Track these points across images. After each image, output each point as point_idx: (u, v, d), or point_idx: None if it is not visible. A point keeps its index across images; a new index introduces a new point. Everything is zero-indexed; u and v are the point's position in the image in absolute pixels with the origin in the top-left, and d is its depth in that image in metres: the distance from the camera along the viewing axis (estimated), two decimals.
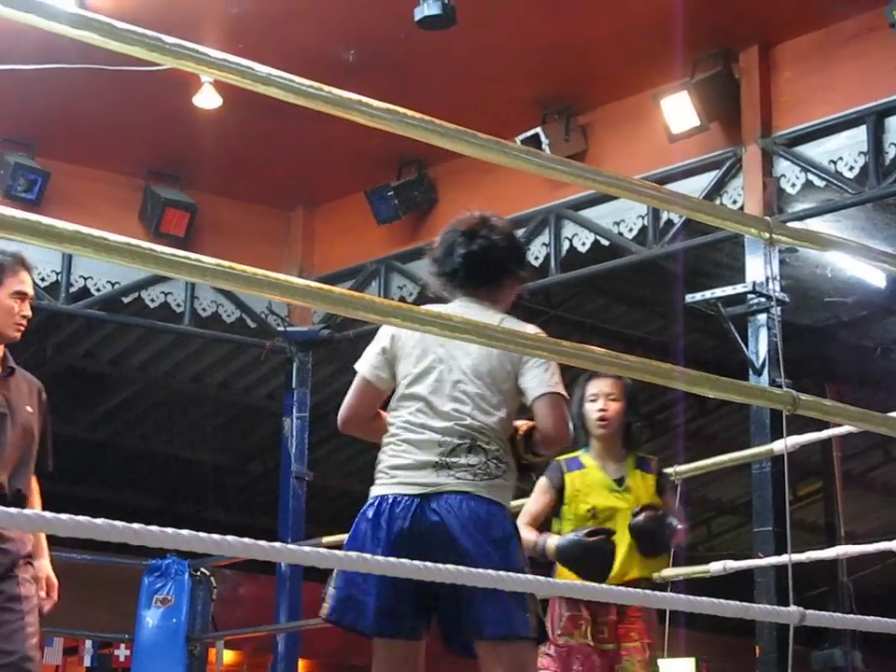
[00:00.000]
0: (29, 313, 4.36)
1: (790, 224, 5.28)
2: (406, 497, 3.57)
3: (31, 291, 4.39)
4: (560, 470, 4.74)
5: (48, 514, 2.16)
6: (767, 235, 3.11)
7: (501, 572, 2.63)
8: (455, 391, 3.61)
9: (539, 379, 3.64)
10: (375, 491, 3.69)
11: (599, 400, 4.78)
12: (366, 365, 3.78)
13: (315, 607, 10.04)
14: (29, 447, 4.44)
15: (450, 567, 2.53)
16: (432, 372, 3.66)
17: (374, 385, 3.76)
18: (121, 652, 9.60)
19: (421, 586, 3.30)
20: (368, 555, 2.62)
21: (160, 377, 11.51)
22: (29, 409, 4.49)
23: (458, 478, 3.54)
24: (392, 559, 2.74)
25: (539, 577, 2.91)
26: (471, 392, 3.60)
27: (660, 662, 4.83)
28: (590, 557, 4.43)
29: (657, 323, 11.19)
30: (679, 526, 4.70)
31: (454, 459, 3.55)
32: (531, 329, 3.57)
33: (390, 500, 3.59)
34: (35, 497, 4.61)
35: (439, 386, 3.63)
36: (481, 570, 2.62)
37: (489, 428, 3.58)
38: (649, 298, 10.65)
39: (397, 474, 3.63)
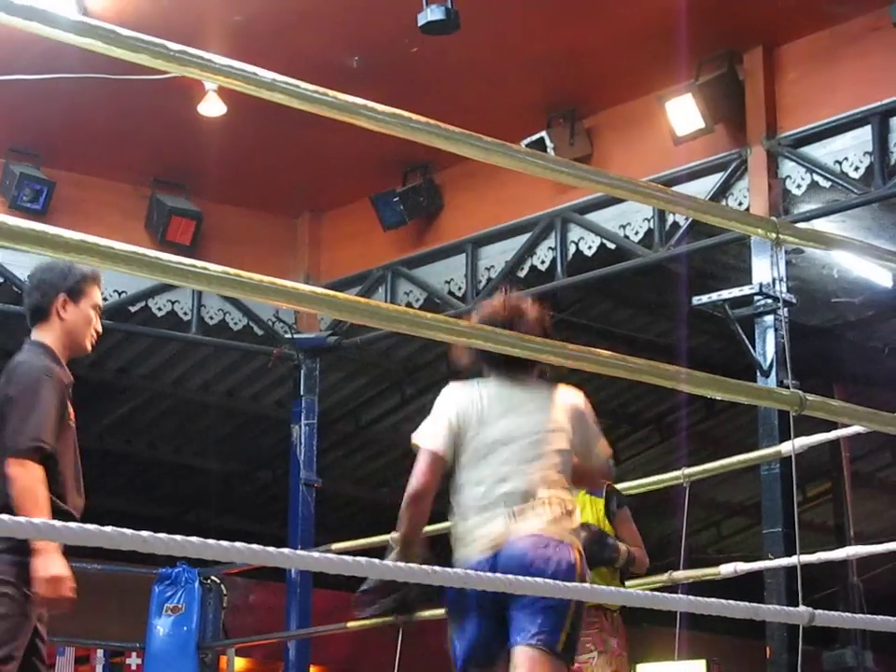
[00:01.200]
0: (100, 329, 4.47)
1: (795, 225, 5.26)
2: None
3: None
4: None
5: (57, 523, 2.16)
6: (774, 236, 3.11)
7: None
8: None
9: (594, 444, 4.18)
10: None
11: None
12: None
13: (324, 613, 10.07)
14: None
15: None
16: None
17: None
18: (133, 661, 9.62)
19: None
20: (378, 561, 2.61)
21: (167, 386, 11.50)
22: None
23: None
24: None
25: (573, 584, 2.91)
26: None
27: (672, 664, 4.94)
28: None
29: (664, 326, 11.17)
30: (623, 548, 4.93)
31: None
32: (570, 392, 4.16)
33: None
34: None
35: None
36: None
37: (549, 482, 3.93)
38: (655, 301, 10.63)
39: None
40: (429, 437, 3.99)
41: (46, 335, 4.38)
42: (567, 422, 4.02)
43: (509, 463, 3.90)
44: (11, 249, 8.60)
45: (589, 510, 4.96)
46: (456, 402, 4.01)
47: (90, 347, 4.45)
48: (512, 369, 4.03)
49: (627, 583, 5.31)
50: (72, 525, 2.17)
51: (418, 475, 3.98)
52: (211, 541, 2.31)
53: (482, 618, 3.86)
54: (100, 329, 4.45)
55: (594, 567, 4.67)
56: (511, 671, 3.78)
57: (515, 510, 3.84)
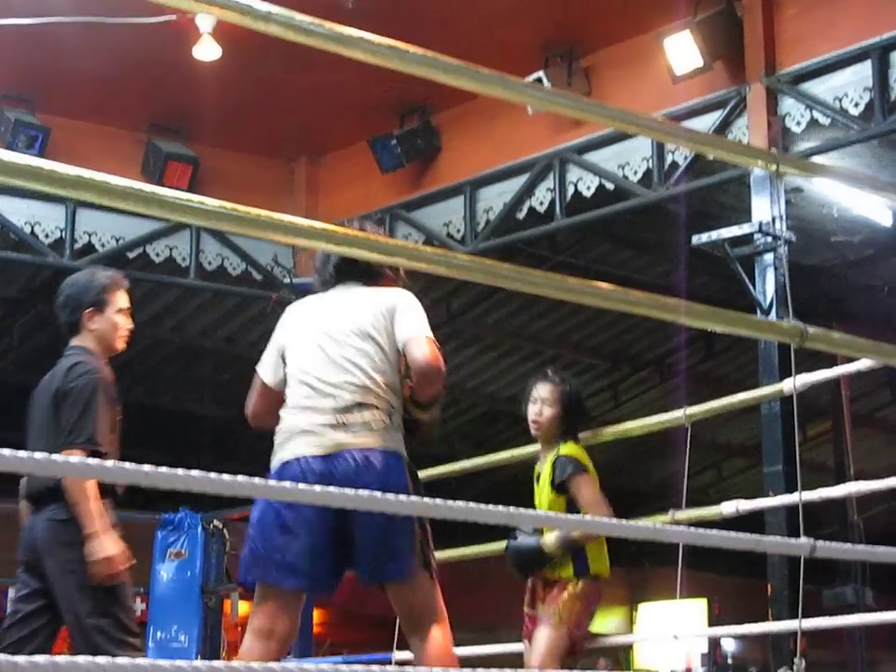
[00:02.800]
0: (132, 326, 4.79)
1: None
2: (310, 458, 3.84)
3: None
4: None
5: (58, 458, 2.15)
6: (774, 167, 3.09)
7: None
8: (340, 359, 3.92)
9: (407, 325, 3.96)
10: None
11: (536, 403, 5.05)
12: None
13: None
14: None
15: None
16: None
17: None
18: (137, 606, 9.63)
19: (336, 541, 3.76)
20: (380, 495, 2.61)
21: (166, 332, 11.51)
22: None
23: (355, 433, 3.82)
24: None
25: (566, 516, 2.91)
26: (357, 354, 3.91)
27: (673, 602, 4.96)
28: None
29: (663, 267, 11.17)
30: (551, 539, 4.85)
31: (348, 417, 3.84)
32: (394, 292, 4.05)
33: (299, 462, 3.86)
34: None
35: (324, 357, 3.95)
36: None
37: (378, 385, 3.88)
38: (655, 242, 10.62)
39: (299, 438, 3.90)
40: (261, 365, 4.10)
41: (83, 342, 4.72)
42: (385, 314, 3.94)
43: (329, 366, 3.88)
44: (8, 195, 8.57)
45: (547, 477, 5.01)
46: (283, 324, 4.09)
47: (122, 347, 4.81)
48: (346, 280, 4.06)
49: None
50: (73, 459, 2.16)
51: (248, 402, 4.16)
52: (213, 475, 2.30)
53: (316, 534, 3.77)
54: (131, 327, 4.75)
55: (530, 571, 4.96)
56: (395, 605, 3.87)
57: (341, 413, 3.83)
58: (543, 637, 4.92)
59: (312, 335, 3.97)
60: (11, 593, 9.92)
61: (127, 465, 2.19)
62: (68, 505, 4.34)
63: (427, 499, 2.56)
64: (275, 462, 3.94)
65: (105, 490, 4.35)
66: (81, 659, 2.04)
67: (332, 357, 3.91)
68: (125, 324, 4.75)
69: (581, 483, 4.92)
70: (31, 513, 4.51)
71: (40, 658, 2.02)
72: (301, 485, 2.30)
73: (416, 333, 3.95)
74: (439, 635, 3.85)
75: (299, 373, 3.97)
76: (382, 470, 3.76)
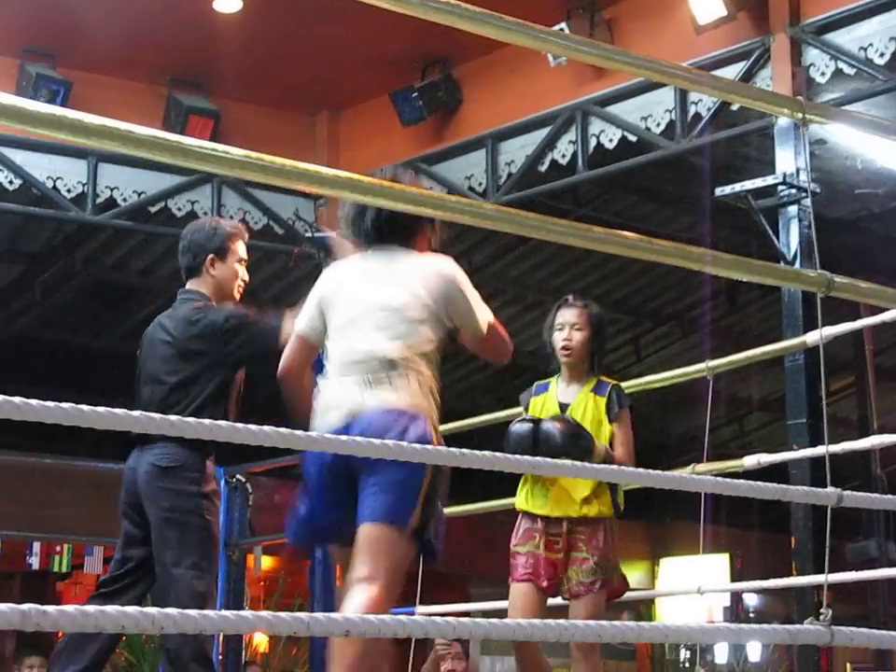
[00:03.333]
0: (248, 277, 4.96)
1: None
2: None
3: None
4: (529, 393, 4.98)
5: (86, 408, 2.15)
6: (800, 116, 3.06)
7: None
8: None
9: (467, 314, 3.96)
10: None
11: (564, 330, 4.89)
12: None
13: None
14: None
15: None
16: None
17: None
18: None
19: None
20: (394, 442, 2.61)
21: (163, 283, 11.50)
22: None
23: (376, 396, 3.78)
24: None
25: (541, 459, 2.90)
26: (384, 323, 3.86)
27: (695, 557, 4.93)
28: (515, 441, 4.68)
29: (687, 220, 11.11)
30: (601, 446, 4.68)
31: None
32: (439, 261, 3.97)
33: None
34: None
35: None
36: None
37: (409, 360, 3.83)
38: (678, 195, 10.57)
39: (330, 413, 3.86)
40: (297, 320, 4.05)
41: (200, 287, 4.83)
42: (429, 292, 3.87)
43: (365, 332, 3.83)
44: (30, 150, 8.54)
45: (590, 407, 4.80)
46: (322, 282, 4.03)
47: (238, 297, 4.92)
48: (384, 242, 3.97)
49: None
50: (101, 409, 2.16)
51: (283, 357, 4.05)
52: (240, 425, 2.31)
53: (330, 491, 3.78)
54: (247, 279, 4.94)
55: (577, 447, 4.62)
56: (355, 549, 3.70)
57: (370, 377, 3.78)
58: (592, 603, 4.62)
59: (350, 304, 3.91)
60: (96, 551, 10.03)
61: (154, 416, 2.20)
62: (173, 450, 4.45)
63: (454, 449, 2.56)
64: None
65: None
66: (154, 611, 2.05)
67: (364, 329, 3.85)
68: (243, 274, 4.91)
69: (628, 420, 4.83)
70: (136, 452, 4.56)
71: (129, 609, 2.03)
72: (328, 435, 2.30)
73: (480, 324, 3.98)
74: (375, 595, 3.63)
75: (334, 342, 3.92)
76: (402, 426, 3.70)
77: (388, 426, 3.67)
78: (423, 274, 3.90)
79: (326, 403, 3.85)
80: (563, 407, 4.82)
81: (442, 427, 4.28)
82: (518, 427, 4.72)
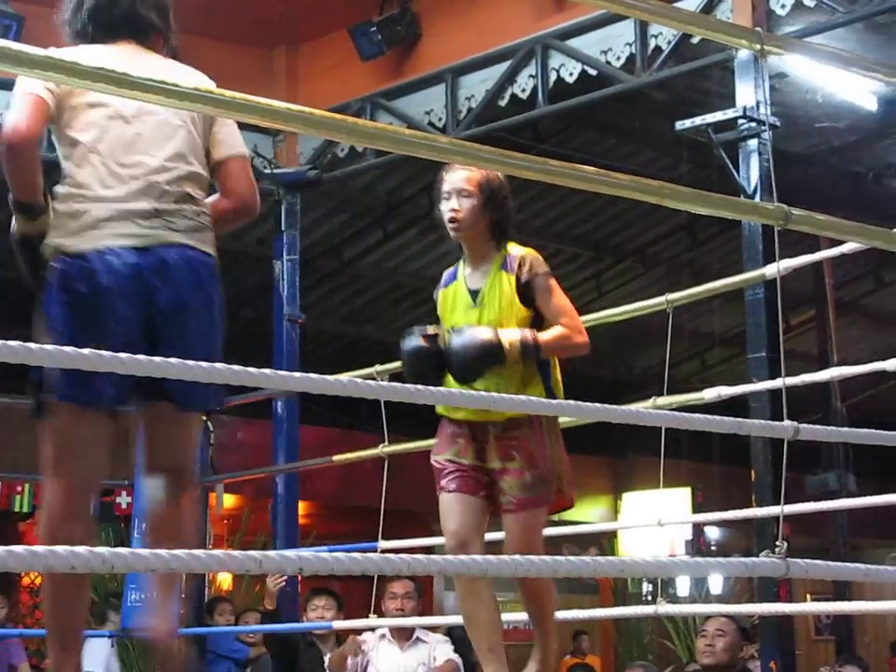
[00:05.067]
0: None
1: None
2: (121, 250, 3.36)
3: None
4: (438, 286, 4.39)
5: (49, 348, 2.12)
6: (759, 47, 3.03)
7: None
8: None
9: (235, 136, 3.57)
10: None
11: (452, 198, 4.22)
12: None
13: (312, 449, 10.12)
14: None
15: None
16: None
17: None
18: (122, 500, 9.69)
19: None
20: (360, 381, 2.58)
21: None
22: None
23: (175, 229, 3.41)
24: None
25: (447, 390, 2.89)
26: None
27: (656, 491, 4.81)
28: (411, 361, 4.17)
29: (647, 155, 11.10)
30: (514, 336, 4.04)
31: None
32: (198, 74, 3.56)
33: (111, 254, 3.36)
34: None
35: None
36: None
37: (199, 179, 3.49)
38: (638, 129, 10.55)
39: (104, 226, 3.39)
40: (29, 83, 3.44)
41: None
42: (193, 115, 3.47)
43: (142, 145, 3.40)
44: None
45: (503, 288, 4.15)
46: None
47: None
48: (105, 32, 3.58)
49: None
50: (67, 349, 2.13)
51: (19, 118, 3.37)
52: (192, 363, 2.29)
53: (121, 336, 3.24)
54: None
55: (478, 375, 4.04)
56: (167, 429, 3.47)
57: (159, 207, 3.36)
58: (526, 520, 4.09)
59: (103, 105, 3.43)
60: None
61: (104, 353, 2.17)
62: None
63: (399, 384, 2.54)
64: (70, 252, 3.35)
65: None
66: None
67: (134, 138, 3.41)
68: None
69: (550, 284, 4.16)
70: None
71: (79, 549, 2.01)
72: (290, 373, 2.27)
73: (242, 152, 3.58)
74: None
75: (89, 149, 3.42)
76: (206, 278, 3.44)
77: (188, 265, 3.42)
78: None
79: (89, 221, 3.36)
80: (474, 294, 4.22)
81: (400, 364, 4.24)
82: (410, 347, 4.15)
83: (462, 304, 4.24)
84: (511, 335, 4.05)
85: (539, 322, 4.15)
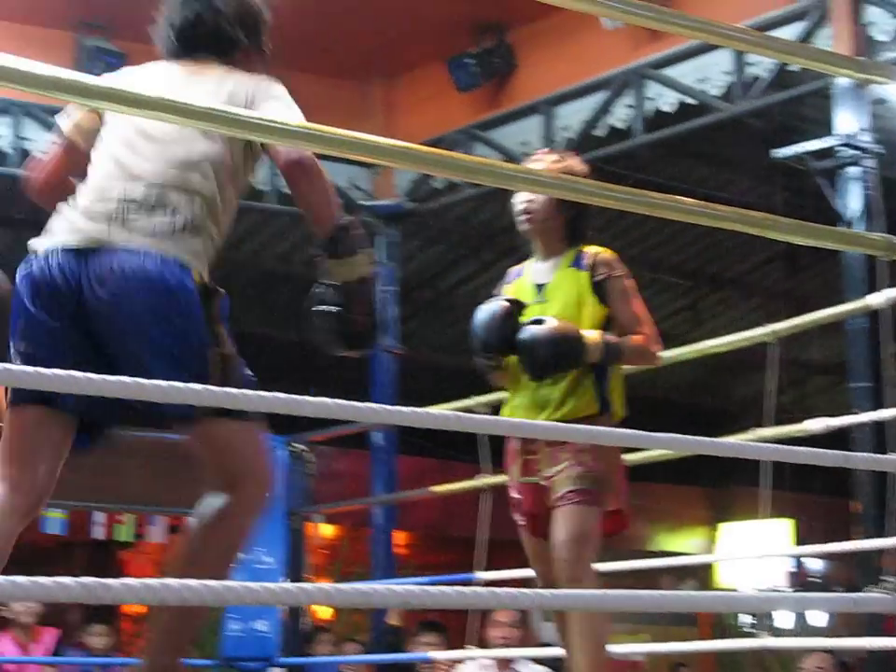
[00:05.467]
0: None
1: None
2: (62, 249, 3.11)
3: None
4: (500, 283, 4.26)
5: (146, 382, 2.16)
6: (861, 76, 3.02)
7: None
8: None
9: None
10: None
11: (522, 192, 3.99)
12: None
13: (409, 479, 10.16)
14: None
15: None
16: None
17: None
18: None
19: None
20: (463, 415, 2.60)
21: (247, 257, 11.55)
22: None
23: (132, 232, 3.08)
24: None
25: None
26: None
27: (758, 523, 4.70)
28: (488, 322, 3.97)
29: (745, 183, 11.03)
30: (594, 336, 3.83)
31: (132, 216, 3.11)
32: (255, 79, 3.38)
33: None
34: None
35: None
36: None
37: (184, 190, 3.17)
38: (735, 158, 10.49)
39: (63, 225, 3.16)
40: (64, 118, 3.31)
41: None
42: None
43: (140, 156, 3.16)
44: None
45: (570, 285, 3.94)
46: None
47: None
48: (188, 50, 3.40)
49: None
50: (162, 383, 2.16)
51: (32, 168, 3.29)
52: (300, 398, 2.31)
53: (58, 343, 3.01)
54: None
55: (555, 372, 3.83)
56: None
57: (127, 206, 3.08)
58: (572, 516, 3.78)
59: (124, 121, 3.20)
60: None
61: (215, 389, 2.20)
62: None
63: (499, 418, 2.55)
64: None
65: None
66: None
67: (136, 145, 3.19)
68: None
69: (627, 287, 3.91)
70: None
71: (192, 582, 2.04)
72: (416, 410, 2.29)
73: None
74: (251, 492, 3.11)
75: (104, 152, 3.23)
76: (155, 275, 3.03)
77: (133, 267, 3.04)
78: (234, 92, 3.32)
79: (63, 222, 3.15)
80: (538, 288, 4.02)
81: (500, 395, 4.24)
82: (491, 307, 3.97)
83: (528, 296, 4.03)
84: (593, 335, 3.82)
85: (606, 326, 3.93)
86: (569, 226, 4.01)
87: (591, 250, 3.99)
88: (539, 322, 3.86)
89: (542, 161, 4.07)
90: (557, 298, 3.95)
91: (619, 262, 3.96)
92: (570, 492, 3.81)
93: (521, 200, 4.00)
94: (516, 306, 3.96)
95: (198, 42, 3.43)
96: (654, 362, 3.99)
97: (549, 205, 3.96)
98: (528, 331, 3.84)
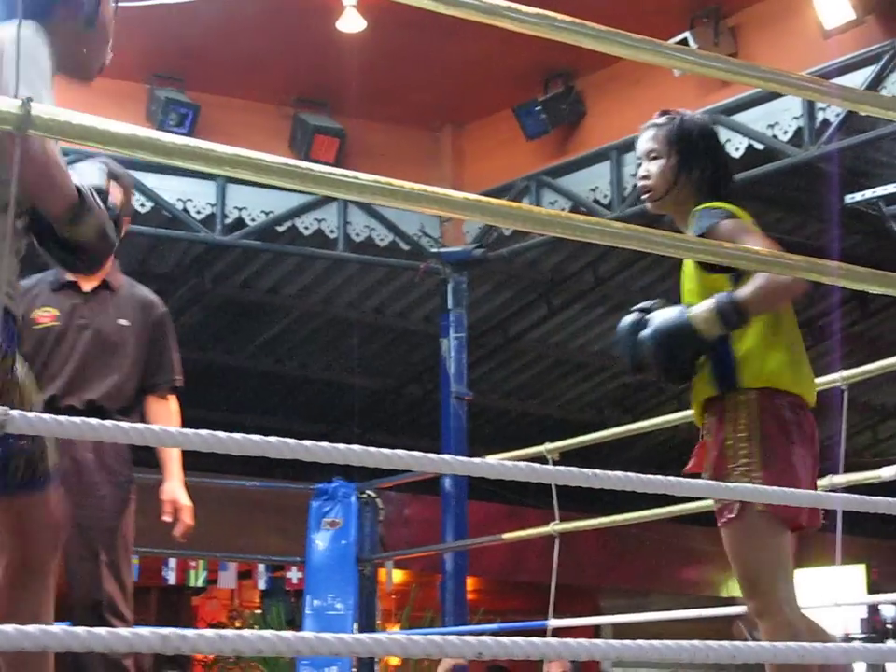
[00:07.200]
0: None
1: None
2: None
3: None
4: None
5: (223, 435, 2.18)
6: None
7: None
8: None
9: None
10: None
11: (641, 164, 3.62)
12: None
13: (479, 525, 10.18)
14: (107, 360, 4.65)
15: None
16: None
17: None
18: (294, 575, 9.83)
19: None
20: (535, 465, 2.61)
21: (316, 304, 11.63)
22: (123, 322, 4.71)
23: None
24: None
25: None
26: None
27: (831, 568, 4.54)
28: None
29: (815, 227, 10.96)
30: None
31: None
32: None
33: None
34: (162, 416, 4.76)
35: None
36: None
37: None
38: (806, 202, 10.43)
39: None
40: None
41: None
42: None
43: None
44: (161, 174, 8.64)
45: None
46: None
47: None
48: None
49: None
50: (237, 436, 2.19)
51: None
52: (373, 449, 2.33)
53: None
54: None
55: (678, 368, 3.42)
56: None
57: None
58: (731, 537, 3.33)
59: None
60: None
61: (289, 441, 2.22)
62: None
63: (575, 469, 2.55)
64: None
65: None
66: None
67: None
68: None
69: (737, 229, 3.35)
70: None
71: (266, 633, 2.06)
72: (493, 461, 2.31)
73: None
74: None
75: None
76: None
77: None
78: None
79: None
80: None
81: (572, 441, 4.26)
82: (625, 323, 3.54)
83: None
84: (701, 309, 3.35)
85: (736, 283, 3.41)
86: (698, 189, 3.55)
87: (696, 210, 3.49)
88: (638, 326, 3.48)
89: (653, 125, 3.68)
90: (686, 273, 3.55)
91: (718, 208, 3.47)
92: (717, 509, 3.40)
93: (638, 177, 3.63)
94: (642, 313, 3.52)
95: None
96: (800, 288, 3.44)
97: (666, 174, 3.55)
98: (630, 341, 3.48)
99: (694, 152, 3.56)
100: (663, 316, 3.41)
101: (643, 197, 3.61)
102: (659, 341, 3.37)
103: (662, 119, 3.64)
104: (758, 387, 3.37)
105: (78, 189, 2.84)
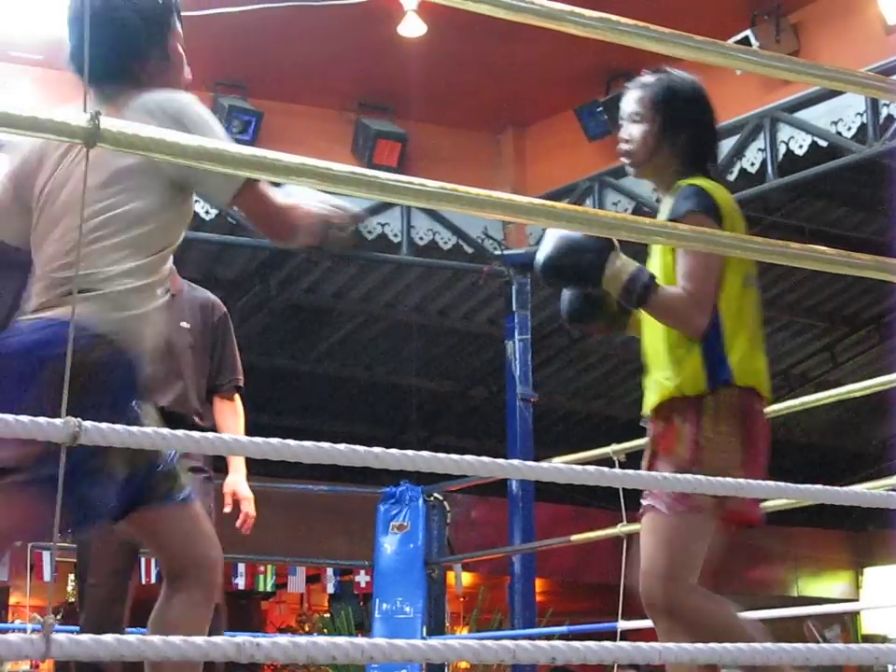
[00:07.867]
0: None
1: None
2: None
3: None
4: None
5: (292, 443, 2.20)
6: None
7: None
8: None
9: (216, 177, 2.91)
10: None
11: (623, 125, 3.44)
12: None
13: (547, 526, 10.17)
14: (172, 365, 4.63)
15: None
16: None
17: None
18: (362, 578, 9.85)
19: None
20: (606, 469, 2.61)
21: (381, 308, 11.66)
22: (184, 325, 4.75)
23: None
24: None
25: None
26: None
27: (871, 569, 4.45)
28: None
29: (880, 223, 10.88)
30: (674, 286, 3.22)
31: None
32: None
33: None
34: (228, 416, 4.79)
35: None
36: None
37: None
38: (870, 198, 10.35)
39: None
40: None
41: None
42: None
43: (47, 226, 2.99)
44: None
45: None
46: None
47: None
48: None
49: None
50: (307, 443, 2.21)
51: None
52: (442, 455, 2.34)
53: None
54: None
55: (558, 278, 3.31)
56: None
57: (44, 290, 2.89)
58: (653, 526, 3.25)
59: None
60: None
61: (358, 448, 2.24)
62: None
63: (643, 472, 2.56)
64: None
65: None
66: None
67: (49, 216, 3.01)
68: None
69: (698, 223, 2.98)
70: None
71: (339, 640, 2.08)
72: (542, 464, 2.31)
73: (238, 185, 2.98)
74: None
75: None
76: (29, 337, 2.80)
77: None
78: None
79: None
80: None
81: (637, 442, 4.22)
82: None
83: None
84: (624, 265, 3.23)
85: None
86: (682, 156, 3.39)
87: (682, 184, 3.32)
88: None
89: (640, 84, 3.52)
90: (654, 249, 3.40)
91: (700, 192, 3.26)
92: (658, 494, 3.31)
93: (619, 139, 3.46)
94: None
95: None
96: (687, 328, 3.25)
97: (647, 139, 3.38)
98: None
99: (680, 118, 3.42)
100: (574, 237, 3.25)
101: (622, 160, 3.44)
102: (561, 244, 3.25)
103: (650, 79, 3.48)
104: (742, 385, 3.29)
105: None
